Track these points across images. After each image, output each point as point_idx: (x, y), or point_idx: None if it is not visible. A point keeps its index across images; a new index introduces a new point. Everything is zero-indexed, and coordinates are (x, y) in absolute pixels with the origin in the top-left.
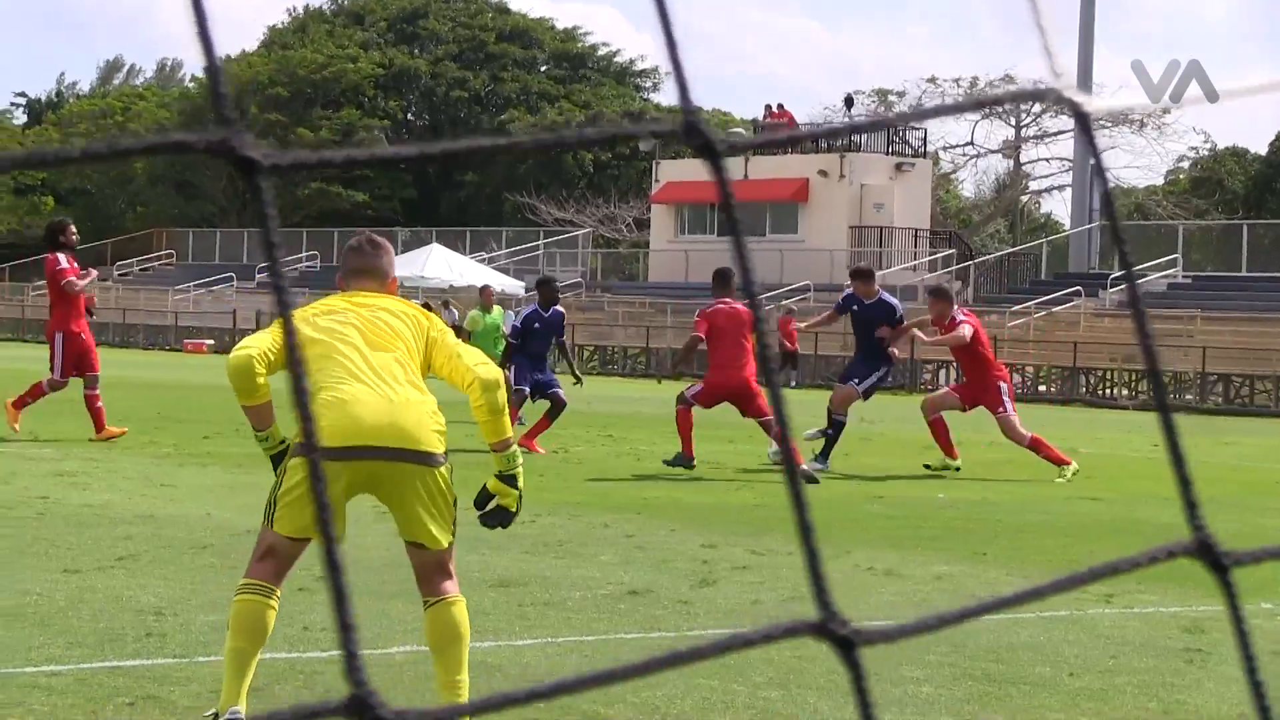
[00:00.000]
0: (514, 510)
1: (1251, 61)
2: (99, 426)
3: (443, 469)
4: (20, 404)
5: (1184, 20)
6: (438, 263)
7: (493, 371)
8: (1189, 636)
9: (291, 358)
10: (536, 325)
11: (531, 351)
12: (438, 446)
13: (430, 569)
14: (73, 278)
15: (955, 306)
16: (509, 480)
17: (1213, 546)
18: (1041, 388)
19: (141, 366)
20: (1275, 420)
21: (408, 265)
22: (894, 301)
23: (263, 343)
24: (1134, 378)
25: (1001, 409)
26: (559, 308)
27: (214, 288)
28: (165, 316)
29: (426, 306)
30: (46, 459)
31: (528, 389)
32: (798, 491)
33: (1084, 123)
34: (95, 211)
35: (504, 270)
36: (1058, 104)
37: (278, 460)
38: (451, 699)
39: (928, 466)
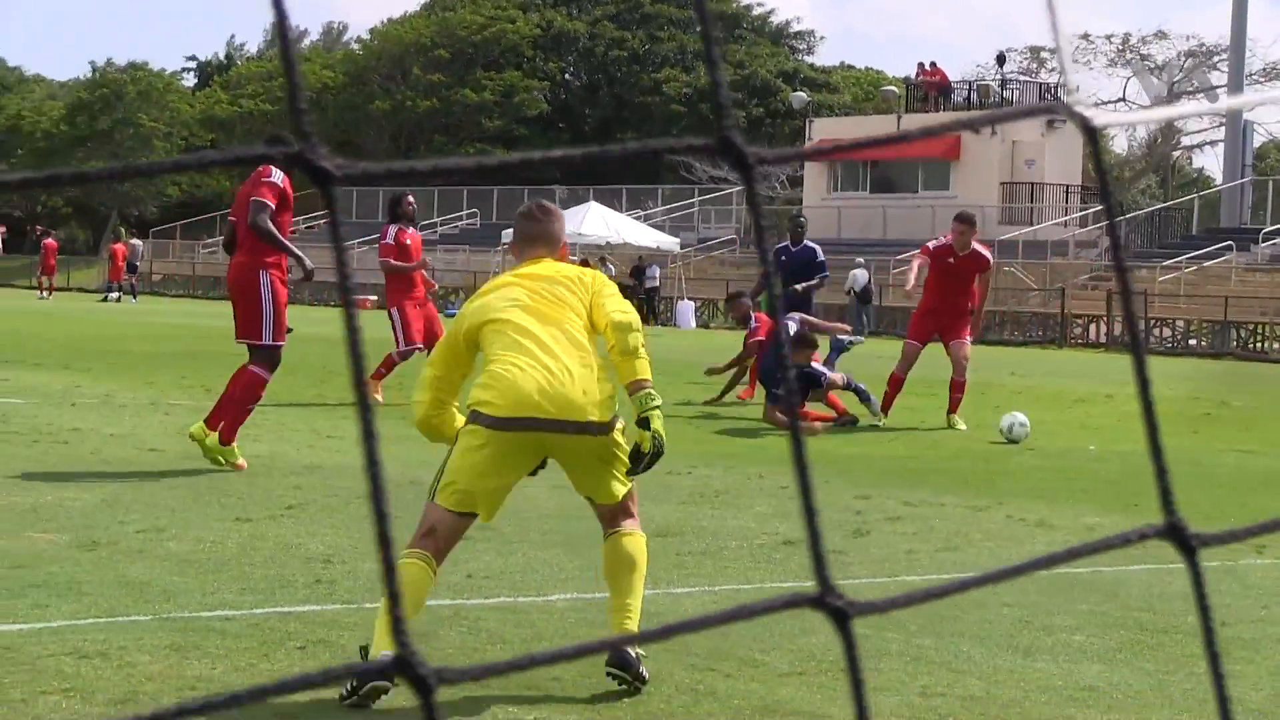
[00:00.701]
0: (647, 450)
1: None
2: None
3: (612, 434)
4: (377, 376)
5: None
6: (595, 220)
7: (628, 315)
8: None
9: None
10: (783, 258)
11: (783, 290)
12: (603, 414)
13: (611, 512)
14: (388, 258)
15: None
16: (642, 423)
17: (1182, 529)
18: (1192, 341)
19: (309, 321)
20: None
21: (565, 222)
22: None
23: (428, 375)
24: None
25: (970, 334)
26: (810, 243)
27: (375, 245)
28: (331, 273)
29: (584, 263)
30: None
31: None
32: (804, 472)
33: (1092, 135)
34: None
35: (659, 227)
36: (1069, 118)
37: None
38: (621, 623)
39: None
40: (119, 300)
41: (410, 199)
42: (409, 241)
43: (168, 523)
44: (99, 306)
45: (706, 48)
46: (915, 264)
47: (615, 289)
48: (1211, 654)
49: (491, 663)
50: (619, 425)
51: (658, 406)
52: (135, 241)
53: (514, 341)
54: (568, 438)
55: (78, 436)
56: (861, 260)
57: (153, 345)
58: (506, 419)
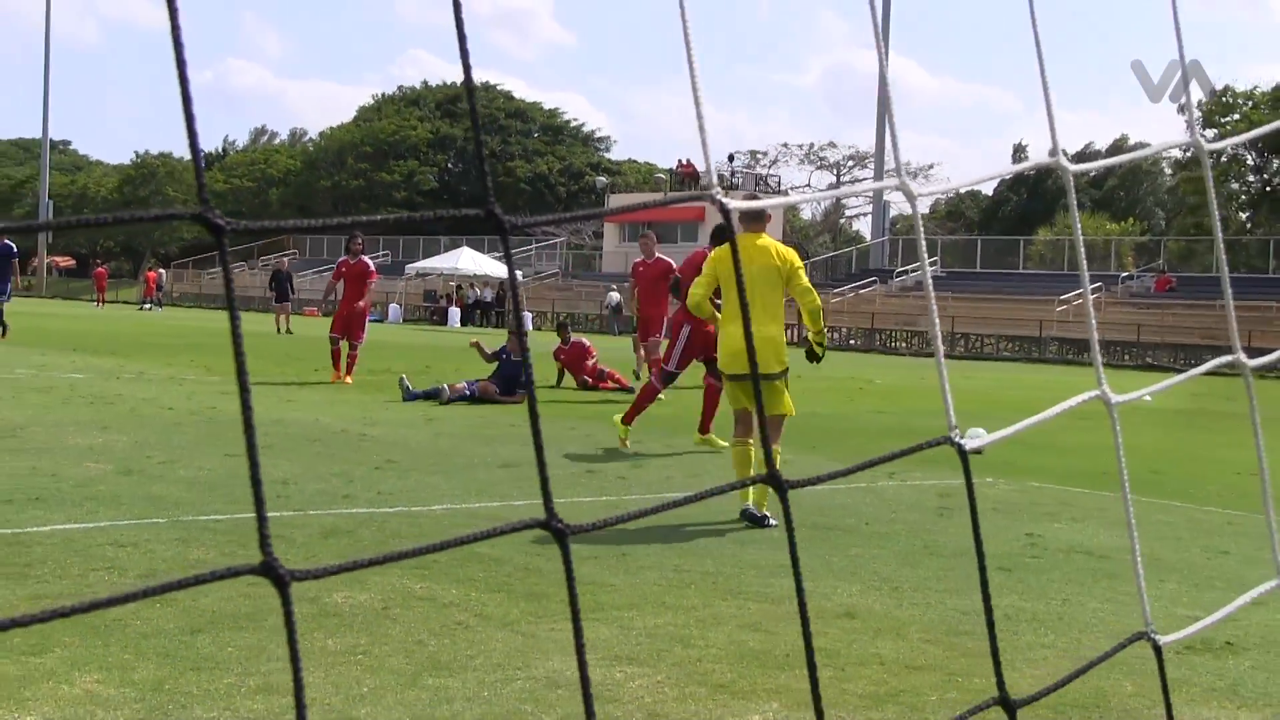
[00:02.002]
0: (819, 354)
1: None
2: (347, 370)
3: (776, 382)
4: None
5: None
6: (467, 259)
7: (809, 294)
8: (941, 499)
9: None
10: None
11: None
12: (772, 368)
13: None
14: (335, 280)
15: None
16: (816, 342)
17: (778, 477)
18: (852, 341)
19: (274, 326)
20: (998, 362)
21: (447, 261)
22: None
23: (704, 289)
24: (909, 335)
25: (659, 333)
26: None
27: (324, 272)
28: (310, 291)
29: (458, 289)
30: (215, 384)
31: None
32: (534, 414)
33: (723, 217)
34: None
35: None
36: (711, 202)
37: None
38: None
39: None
40: (150, 310)
41: (358, 238)
42: (344, 270)
43: (179, 457)
44: (137, 314)
45: (477, 151)
46: (630, 291)
47: (802, 268)
48: (797, 575)
49: (330, 565)
50: (783, 379)
51: (822, 343)
52: (162, 270)
53: (726, 310)
54: (749, 384)
55: (120, 399)
56: (614, 286)
57: (172, 339)
58: (724, 374)
